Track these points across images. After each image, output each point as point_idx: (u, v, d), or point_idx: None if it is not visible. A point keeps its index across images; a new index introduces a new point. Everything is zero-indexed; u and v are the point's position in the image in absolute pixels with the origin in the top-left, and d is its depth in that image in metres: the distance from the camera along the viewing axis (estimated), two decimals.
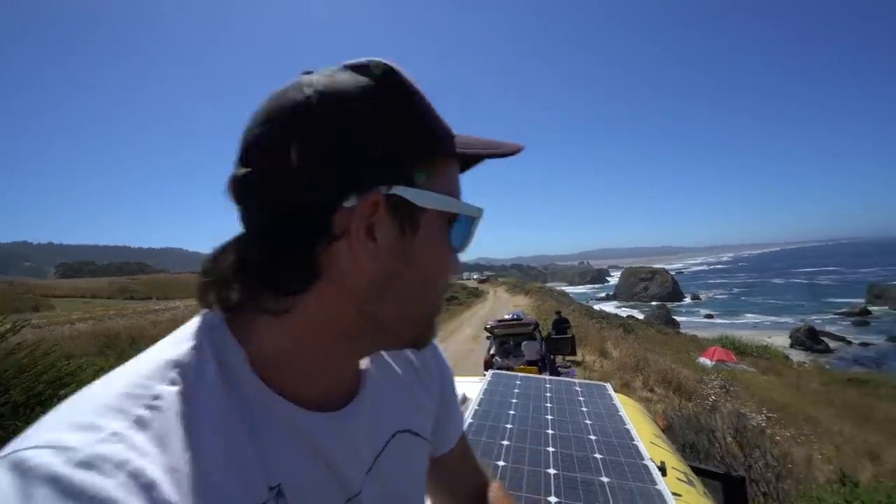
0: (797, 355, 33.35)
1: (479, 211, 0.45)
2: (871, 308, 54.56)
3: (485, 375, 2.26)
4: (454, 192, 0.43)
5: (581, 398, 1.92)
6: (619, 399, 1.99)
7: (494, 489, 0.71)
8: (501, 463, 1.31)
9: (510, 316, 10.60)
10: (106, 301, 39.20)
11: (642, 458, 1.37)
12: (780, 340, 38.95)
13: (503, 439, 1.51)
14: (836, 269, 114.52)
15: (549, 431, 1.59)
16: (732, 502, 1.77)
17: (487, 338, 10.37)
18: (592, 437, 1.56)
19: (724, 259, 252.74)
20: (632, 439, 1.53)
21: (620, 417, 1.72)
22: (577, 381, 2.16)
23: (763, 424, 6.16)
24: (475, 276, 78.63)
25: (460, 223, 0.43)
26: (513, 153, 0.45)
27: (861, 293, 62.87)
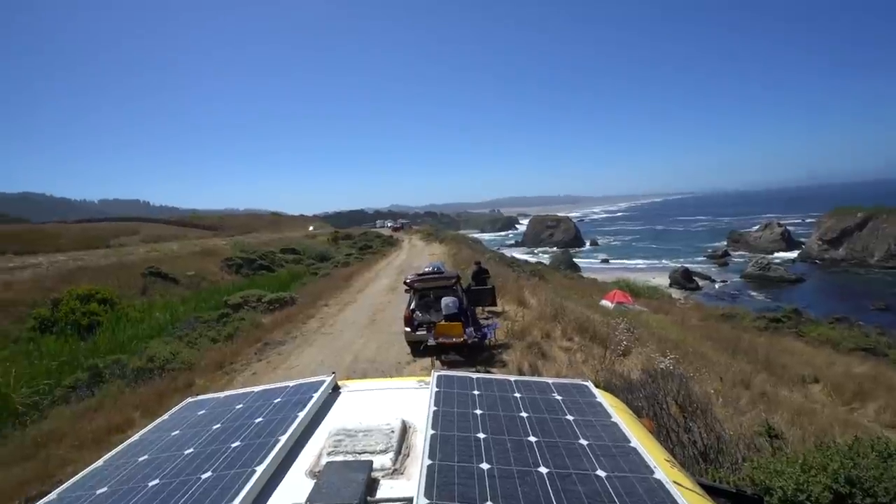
0: (675, 293, 38.16)
1: None
2: (730, 251, 64.09)
3: (423, 381, 1.63)
4: None
5: (565, 410, 1.38)
6: (607, 402, 1.49)
7: None
8: None
9: (430, 269, 10.14)
10: None
11: None
12: (662, 280, 44.32)
13: (485, 499, 0.94)
14: (706, 218, 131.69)
15: (543, 470, 1.05)
16: None
17: (406, 291, 9.85)
18: (601, 474, 1.06)
19: (618, 207, 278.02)
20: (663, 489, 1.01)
21: (627, 441, 1.21)
22: (550, 380, 1.63)
23: (671, 366, 6.47)
24: (389, 224, 77.13)
25: None
26: None
27: (724, 237, 73.33)
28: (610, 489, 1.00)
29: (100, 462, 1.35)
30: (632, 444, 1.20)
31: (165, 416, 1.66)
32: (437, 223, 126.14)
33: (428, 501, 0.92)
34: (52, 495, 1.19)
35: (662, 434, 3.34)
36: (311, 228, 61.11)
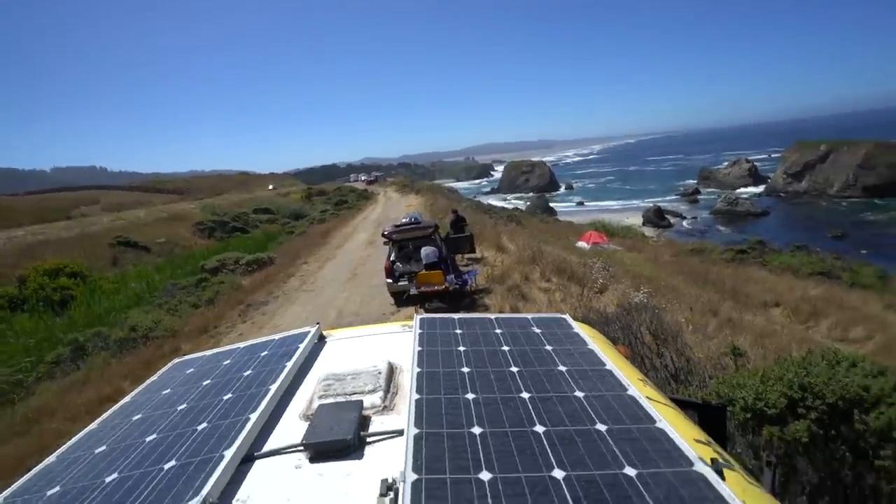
0: (648, 231, 39.23)
1: None
2: (700, 188, 65.53)
3: (407, 326, 1.67)
4: None
5: (544, 341, 1.45)
6: (584, 332, 1.56)
7: None
8: (486, 475, 0.84)
9: (407, 220, 10.09)
10: None
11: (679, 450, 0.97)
12: (636, 220, 45.31)
13: (472, 425, 0.99)
14: (677, 157, 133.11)
15: (525, 395, 1.12)
16: (710, 432, 1.57)
17: (385, 243, 9.85)
18: (579, 394, 1.13)
19: (591, 150, 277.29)
20: (641, 409, 1.10)
21: (602, 365, 1.29)
22: (529, 316, 1.69)
23: (645, 300, 6.78)
24: (363, 178, 75.26)
25: None
26: None
27: (694, 175, 74.68)
28: (588, 407, 1.08)
29: (94, 424, 1.37)
30: (607, 367, 1.28)
31: (154, 377, 1.67)
32: (411, 174, 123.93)
33: (418, 430, 0.97)
34: (52, 458, 1.21)
35: (637, 360, 3.57)
36: (270, 188, 58.39)
